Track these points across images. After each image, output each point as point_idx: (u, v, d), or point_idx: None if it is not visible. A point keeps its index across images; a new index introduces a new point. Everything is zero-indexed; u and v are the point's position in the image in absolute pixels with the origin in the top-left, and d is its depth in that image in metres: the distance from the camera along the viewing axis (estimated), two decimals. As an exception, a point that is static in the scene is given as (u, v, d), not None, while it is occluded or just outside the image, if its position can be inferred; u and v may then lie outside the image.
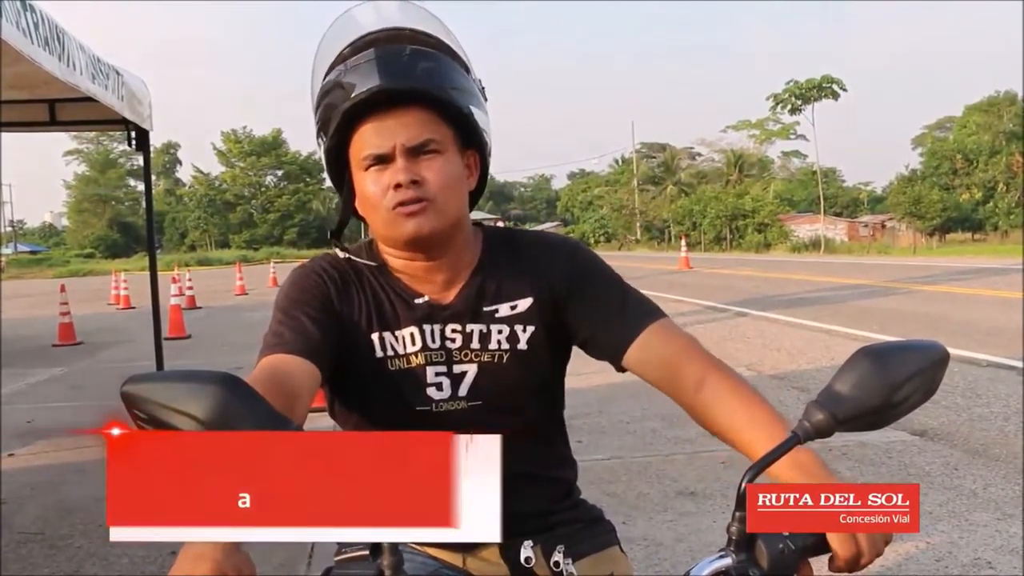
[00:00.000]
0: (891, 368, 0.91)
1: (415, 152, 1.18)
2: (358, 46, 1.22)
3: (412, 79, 1.17)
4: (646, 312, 1.26)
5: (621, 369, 1.27)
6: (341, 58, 1.22)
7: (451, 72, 1.22)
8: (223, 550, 0.85)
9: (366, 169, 1.20)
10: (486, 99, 1.29)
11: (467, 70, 1.26)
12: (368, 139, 1.19)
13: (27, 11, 2.87)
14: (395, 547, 0.86)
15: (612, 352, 1.26)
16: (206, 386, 0.80)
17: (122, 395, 0.82)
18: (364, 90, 1.16)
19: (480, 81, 1.29)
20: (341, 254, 1.31)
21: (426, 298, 1.27)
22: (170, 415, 0.80)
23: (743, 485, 0.86)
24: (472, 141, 1.26)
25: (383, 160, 1.19)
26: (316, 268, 1.29)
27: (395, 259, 1.28)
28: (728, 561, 0.90)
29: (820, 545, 0.92)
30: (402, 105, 1.18)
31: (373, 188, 1.20)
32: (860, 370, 0.91)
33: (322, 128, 1.24)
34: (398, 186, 1.18)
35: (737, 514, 0.89)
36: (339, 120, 1.19)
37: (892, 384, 0.90)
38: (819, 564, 0.95)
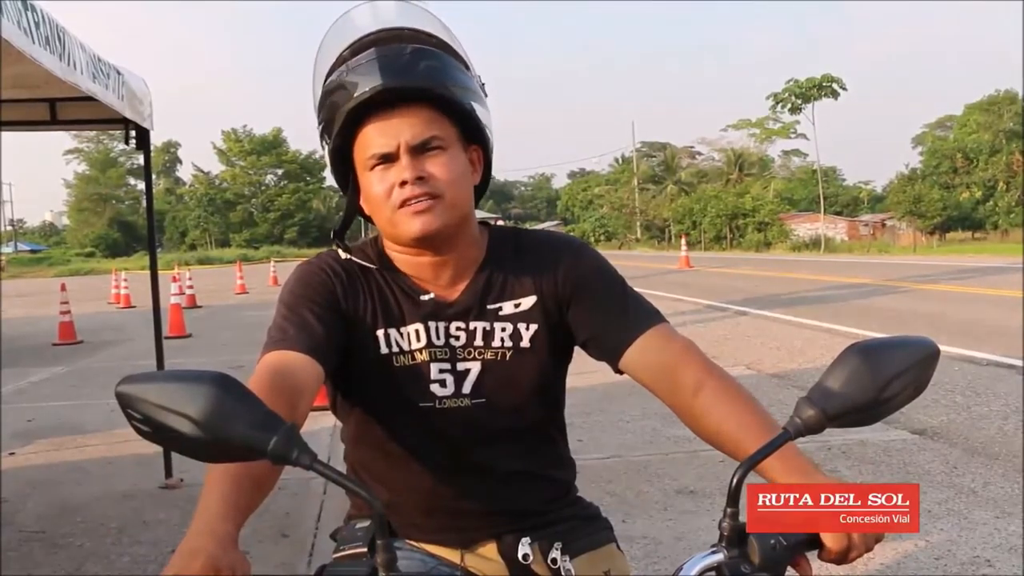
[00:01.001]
0: (881, 364, 0.91)
1: (419, 149, 1.19)
2: (358, 47, 1.22)
3: (414, 77, 1.18)
4: (646, 315, 1.26)
5: (618, 371, 1.27)
6: (342, 59, 1.23)
7: (452, 70, 1.22)
8: (219, 548, 0.86)
9: (371, 168, 1.20)
10: (486, 95, 1.29)
11: (467, 67, 1.27)
12: (372, 139, 1.19)
13: (28, 11, 2.87)
14: (390, 544, 0.87)
15: (610, 353, 1.26)
16: (199, 385, 0.80)
17: (116, 395, 0.82)
18: (367, 89, 1.16)
19: (480, 78, 1.29)
20: (343, 254, 1.31)
21: (432, 295, 1.27)
22: (164, 415, 0.80)
23: (734, 481, 0.86)
24: (475, 137, 1.26)
25: (388, 159, 1.19)
26: (323, 264, 1.29)
27: (401, 256, 1.28)
28: (720, 557, 0.91)
29: (812, 541, 0.92)
30: (405, 104, 1.18)
31: (379, 187, 1.20)
32: (850, 366, 0.91)
33: (326, 129, 1.24)
34: (404, 183, 1.18)
35: (729, 510, 0.89)
36: (343, 120, 1.19)
37: (882, 380, 0.91)
38: (814, 558, 0.95)
